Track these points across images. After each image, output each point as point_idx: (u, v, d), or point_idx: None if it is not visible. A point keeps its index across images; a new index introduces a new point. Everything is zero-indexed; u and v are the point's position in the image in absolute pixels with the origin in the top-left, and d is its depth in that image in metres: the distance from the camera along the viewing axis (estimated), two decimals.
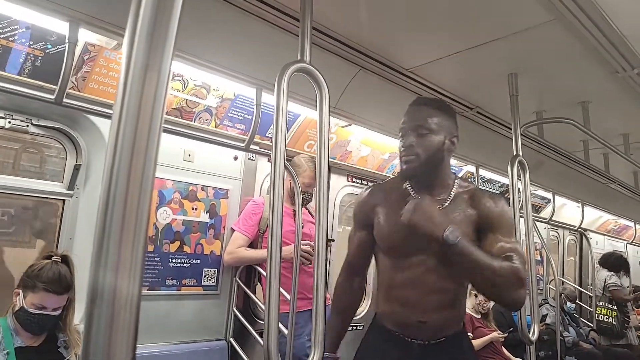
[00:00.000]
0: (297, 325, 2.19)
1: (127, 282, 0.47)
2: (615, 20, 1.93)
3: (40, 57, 1.88)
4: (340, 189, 3.50)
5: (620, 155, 3.30)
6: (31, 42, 1.84)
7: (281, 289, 2.31)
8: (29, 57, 1.86)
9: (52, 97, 1.89)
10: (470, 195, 1.52)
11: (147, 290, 2.32)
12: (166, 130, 2.29)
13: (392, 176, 3.64)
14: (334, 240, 2.62)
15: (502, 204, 1.50)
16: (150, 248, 2.35)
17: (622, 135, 3.47)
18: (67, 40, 1.75)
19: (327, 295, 2.77)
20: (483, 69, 2.50)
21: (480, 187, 1.64)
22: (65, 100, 1.92)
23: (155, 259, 2.36)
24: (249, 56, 2.25)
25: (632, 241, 7.08)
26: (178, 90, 2.35)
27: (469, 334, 3.58)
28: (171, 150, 2.48)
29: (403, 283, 1.47)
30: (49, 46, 1.88)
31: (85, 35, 1.88)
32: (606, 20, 1.91)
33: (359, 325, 3.47)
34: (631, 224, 6.66)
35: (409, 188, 1.56)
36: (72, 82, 1.99)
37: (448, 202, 1.50)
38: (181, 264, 2.44)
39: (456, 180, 1.56)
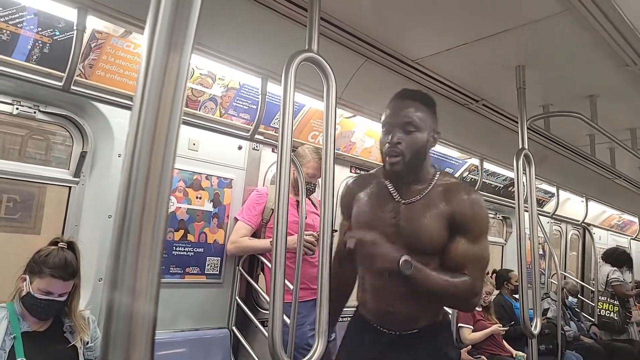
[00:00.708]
0: (299, 315, 2.21)
1: (145, 277, 0.48)
2: (626, 11, 1.90)
3: (48, 44, 1.87)
4: (344, 180, 3.50)
5: (627, 149, 3.27)
6: (39, 29, 1.84)
7: (285, 280, 2.34)
8: (36, 44, 1.86)
9: (60, 84, 1.89)
10: (445, 189, 1.50)
11: None
12: None
13: None
14: (336, 231, 2.62)
15: (477, 203, 1.49)
16: None
17: (629, 130, 3.44)
18: (75, 27, 1.75)
19: None
20: (490, 61, 2.48)
21: (461, 181, 1.62)
22: (72, 87, 1.93)
23: None
24: (255, 46, 2.24)
25: (635, 236, 7.06)
26: None
27: (468, 326, 3.63)
28: None
29: (374, 273, 1.50)
30: (57, 33, 1.87)
31: (93, 22, 1.88)
32: (617, 12, 1.89)
33: None
34: (635, 219, 6.63)
35: (387, 183, 1.57)
36: (80, 69, 1.99)
37: (421, 196, 1.50)
38: (185, 253, 2.46)
39: (437, 175, 1.55)
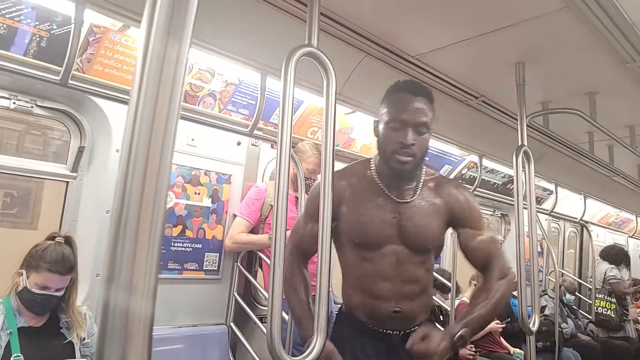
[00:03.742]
0: None
1: (142, 273, 0.47)
2: (626, 8, 1.90)
3: (45, 38, 1.86)
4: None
5: (625, 147, 3.27)
6: (37, 23, 1.82)
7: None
8: (34, 38, 1.84)
9: (58, 78, 1.88)
10: (435, 183, 1.52)
11: None
12: None
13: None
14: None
15: (466, 193, 1.54)
16: None
17: (628, 127, 3.44)
18: (72, 21, 1.74)
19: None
20: (490, 57, 2.47)
21: (442, 175, 1.62)
22: (70, 81, 1.91)
23: None
24: (255, 41, 2.23)
25: (633, 234, 7.08)
26: None
27: None
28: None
29: (375, 274, 1.44)
30: (55, 27, 1.86)
31: (91, 17, 1.86)
32: (617, 9, 1.88)
33: None
34: (633, 217, 6.65)
35: (376, 179, 1.51)
36: (77, 63, 1.98)
37: (416, 194, 1.49)
38: (183, 248, 2.45)
39: (423, 169, 1.54)
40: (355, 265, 1.49)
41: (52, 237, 1.79)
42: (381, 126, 1.47)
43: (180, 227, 2.45)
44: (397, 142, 1.40)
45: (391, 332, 1.45)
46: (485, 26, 2.16)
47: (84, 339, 1.80)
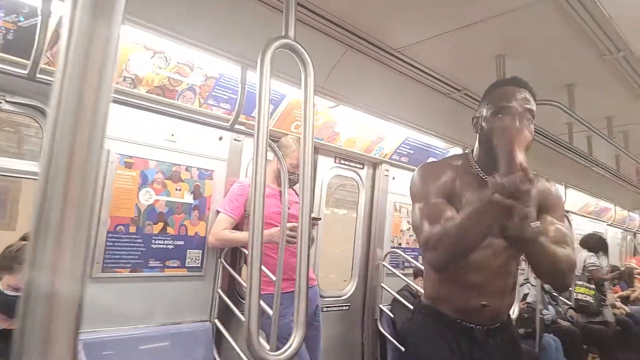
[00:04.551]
0: (282, 306, 2.19)
1: (68, 260, 0.44)
2: (603, 2, 1.92)
3: (12, 31, 1.79)
4: (328, 170, 3.48)
5: (603, 138, 3.33)
6: (2, 15, 1.75)
7: (266, 270, 2.32)
8: (0, 31, 1.78)
9: (25, 72, 1.82)
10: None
11: (129, 272, 2.29)
12: (148, 109, 2.23)
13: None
14: (320, 219, 2.62)
15: (556, 188, 1.55)
16: (133, 229, 2.31)
17: (605, 119, 3.50)
18: (39, 13, 1.67)
19: (313, 276, 2.79)
20: (471, 50, 2.48)
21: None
22: (38, 75, 1.85)
23: (138, 240, 2.32)
24: (233, 33, 2.19)
25: (611, 222, 7.24)
26: (160, 68, 2.28)
27: None
28: (153, 130, 2.43)
29: (469, 266, 1.39)
30: (22, 19, 1.79)
31: (60, 8, 1.80)
32: (594, 2, 1.90)
33: (345, 306, 3.51)
34: (611, 206, 6.79)
35: (479, 172, 1.47)
36: (47, 57, 1.91)
37: None
38: (164, 246, 2.41)
39: None
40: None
41: (25, 238, 1.74)
42: (484, 121, 1.45)
43: (161, 225, 2.41)
44: (504, 127, 1.35)
45: (474, 327, 1.43)
46: (466, 19, 2.16)
47: None
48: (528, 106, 1.38)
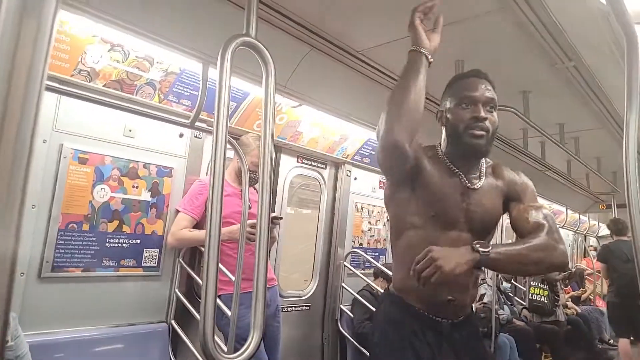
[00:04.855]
0: (242, 306, 2.17)
1: None
2: (555, 12, 2.01)
3: None
4: (291, 169, 3.48)
5: (555, 143, 3.48)
6: None
7: (225, 270, 2.29)
8: None
9: None
10: (492, 169, 1.57)
11: (82, 271, 2.21)
12: (104, 104, 2.16)
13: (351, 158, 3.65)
14: (282, 218, 2.60)
15: (523, 175, 1.59)
16: (86, 227, 2.23)
17: (558, 125, 3.66)
18: None
19: (273, 276, 2.77)
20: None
21: (500, 163, 1.67)
22: None
23: (91, 238, 2.24)
24: (194, 29, 2.15)
25: (563, 225, 7.58)
26: (117, 62, 2.21)
27: None
28: (110, 125, 2.35)
29: None
30: None
31: None
32: (547, 12, 1.98)
33: (306, 306, 3.51)
34: (563, 209, 7.11)
35: (448, 163, 1.51)
36: None
37: (481, 180, 1.51)
38: (120, 244, 2.34)
39: (483, 161, 1.57)
40: (416, 248, 1.35)
41: None
42: (449, 113, 1.49)
43: (116, 223, 2.34)
44: (471, 117, 1.41)
45: (440, 320, 1.44)
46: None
47: (7, 342, 1.68)
48: (489, 95, 1.44)
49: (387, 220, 4.17)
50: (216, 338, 1.18)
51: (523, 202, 1.49)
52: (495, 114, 1.45)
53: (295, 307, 3.44)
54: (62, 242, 2.15)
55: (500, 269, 1.34)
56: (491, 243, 1.39)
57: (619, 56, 2.23)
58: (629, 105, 0.99)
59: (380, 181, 4.11)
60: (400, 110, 1.28)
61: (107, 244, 2.29)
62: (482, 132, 1.41)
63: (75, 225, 2.20)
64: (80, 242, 2.20)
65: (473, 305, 1.76)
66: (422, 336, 1.42)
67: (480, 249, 1.25)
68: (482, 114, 1.40)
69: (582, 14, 2.03)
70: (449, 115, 1.49)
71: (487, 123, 1.42)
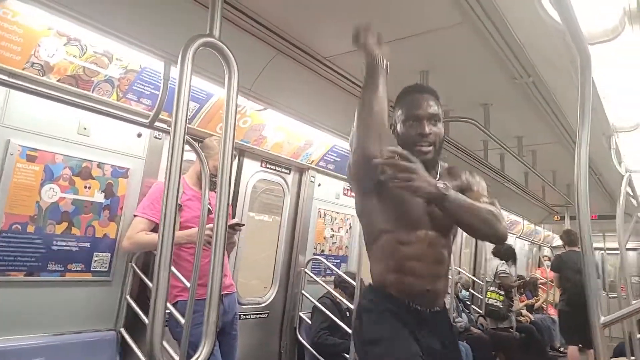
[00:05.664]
0: (198, 313, 2.10)
1: None
2: (515, 28, 2.07)
3: None
4: (253, 174, 3.42)
5: (514, 156, 3.59)
6: None
7: (179, 275, 2.21)
8: None
9: None
10: (449, 171, 1.69)
11: (24, 275, 2.07)
12: (58, 99, 2.05)
13: (305, 164, 3.64)
14: (243, 225, 2.54)
15: (476, 175, 1.73)
16: (31, 229, 2.10)
17: (516, 138, 3.78)
18: None
19: (231, 282, 2.70)
20: (397, 64, 2.51)
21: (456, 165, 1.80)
22: None
23: (36, 240, 2.11)
24: (157, 26, 2.09)
25: (520, 235, 7.85)
26: (74, 56, 2.11)
27: None
28: (63, 122, 2.24)
29: (411, 255, 1.53)
30: None
31: None
32: (507, 28, 2.04)
33: (264, 313, 3.45)
34: (520, 219, 7.36)
35: None
36: None
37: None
38: (67, 247, 2.21)
39: (439, 163, 1.68)
40: (390, 246, 1.56)
41: None
42: (399, 126, 1.62)
43: (65, 224, 2.21)
44: (416, 134, 1.55)
45: (420, 308, 1.54)
46: (392, 34, 2.22)
47: None
48: (433, 111, 1.58)
49: (350, 227, 4.18)
50: (166, 345, 1.12)
51: (475, 191, 1.64)
52: (440, 124, 1.60)
53: (253, 314, 3.37)
54: (4, 244, 2.02)
55: (453, 210, 1.45)
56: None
57: (573, 74, 2.32)
58: (581, 121, 1.03)
59: (344, 188, 4.11)
60: (367, 123, 1.44)
61: (53, 247, 2.16)
62: (429, 148, 1.57)
63: (19, 227, 2.06)
64: (24, 244, 2.07)
65: (445, 300, 1.82)
66: (403, 319, 1.53)
67: (443, 186, 1.39)
68: (426, 130, 1.55)
69: (540, 31, 2.10)
70: (398, 130, 1.64)
71: (432, 137, 1.57)
